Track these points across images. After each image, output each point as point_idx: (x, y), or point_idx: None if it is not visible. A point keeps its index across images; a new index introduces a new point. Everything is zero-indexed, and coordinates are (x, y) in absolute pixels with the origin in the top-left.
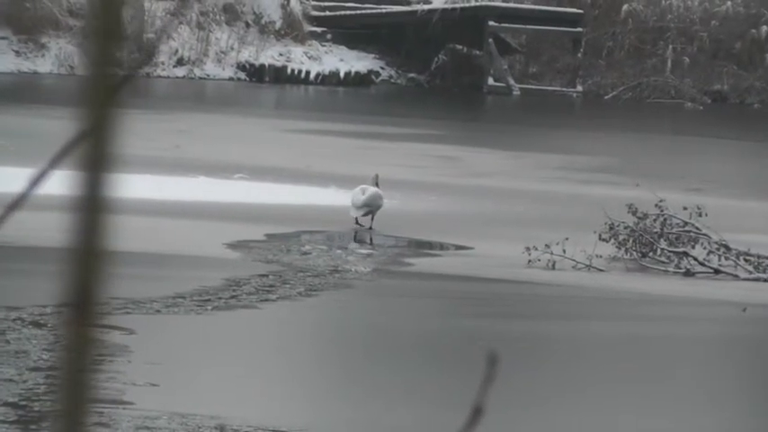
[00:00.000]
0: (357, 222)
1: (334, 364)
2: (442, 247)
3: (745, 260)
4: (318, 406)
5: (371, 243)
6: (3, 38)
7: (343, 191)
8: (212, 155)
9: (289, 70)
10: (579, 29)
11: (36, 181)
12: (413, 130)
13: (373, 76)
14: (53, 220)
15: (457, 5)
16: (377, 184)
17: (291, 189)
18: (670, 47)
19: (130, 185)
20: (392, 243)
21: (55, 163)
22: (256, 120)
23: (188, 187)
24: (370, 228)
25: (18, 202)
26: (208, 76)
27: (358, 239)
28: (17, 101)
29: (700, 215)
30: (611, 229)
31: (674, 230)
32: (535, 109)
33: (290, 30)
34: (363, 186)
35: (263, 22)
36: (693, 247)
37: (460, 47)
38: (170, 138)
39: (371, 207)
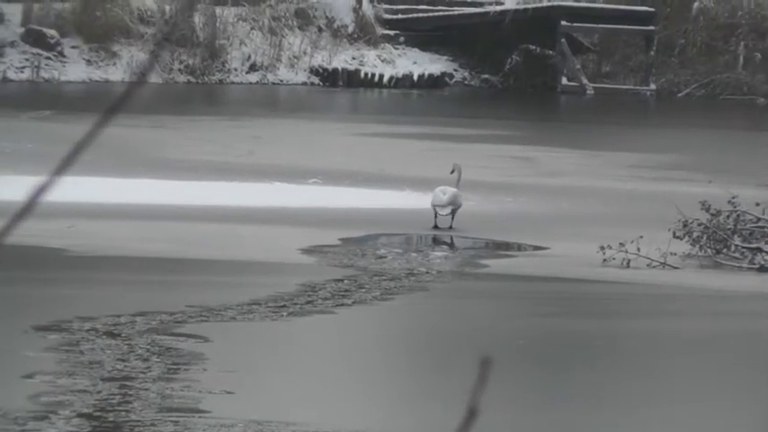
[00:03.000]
0: (436, 224)
1: (411, 369)
2: (518, 247)
3: None
4: (396, 411)
5: (447, 245)
6: (74, 47)
7: (417, 193)
8: (286, 160)
9: (362, 74)
10: (651, 27)
11: (42, 190)
12: (487, 131)
13: (447, 78)
14: (125, 230)
15: (529, 6)
16: (457, 172)
17: (366, 193)
18: (741, 43)
19: (205, 192)
20: (468, 244)
21: (60, 171)
22: (330, 124)
23: (262, 193)
24: (450, 227)
25: (25, 211)
26: (281, 81)
27: (433, 242)
28: (89, 110)
29: None
30: (684, 226)
31: (747, 227)
32: (609, 108)
33: (363, 33)
34: (443, 187)
35: (335, 26)
36: (767, 243)
37: (533, 47)
38: (244, 144)
39: (454, 206)
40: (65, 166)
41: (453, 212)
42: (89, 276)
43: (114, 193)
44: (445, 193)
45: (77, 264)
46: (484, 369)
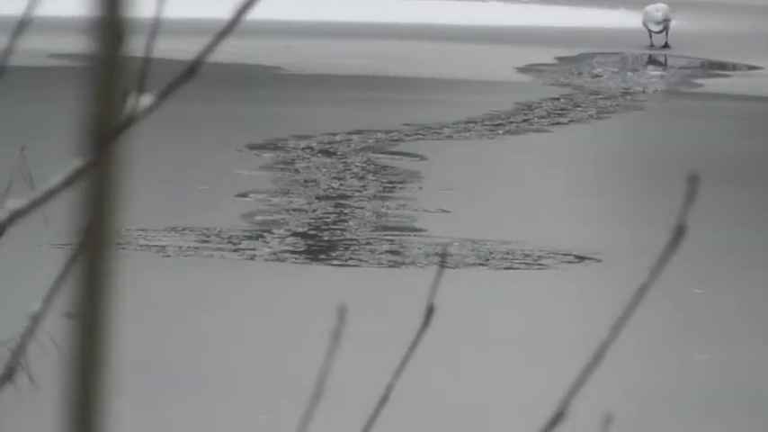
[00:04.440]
0: (652, 43)
1: (625, 188)
2: (733, 67)
3: None
4: (610, 229)
5: (662, 64)
6: None
7: (633, 12)
8: None
9: None
10: None
11: (246, 7)
12: None
13: None
14: (341, 47)
15: None
16: None
17: (581, 11)
18: None
19: (422, 10)
20: (683, 64)
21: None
22: None
23: (478, 11)
24: (665, 45)
25: (227, 30)
26: None
27: (649, 61)
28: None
29: None
30: None
31: None
32: None
33: None
34: (654, 5)
35: None
36: None
37: None
38: None
39: (667, 22)
40: None
41: (666, 29)
42: (304, 95)
43: (328, 12)
44: (658, 9)
45: (293, 82)
46: (692, 186)
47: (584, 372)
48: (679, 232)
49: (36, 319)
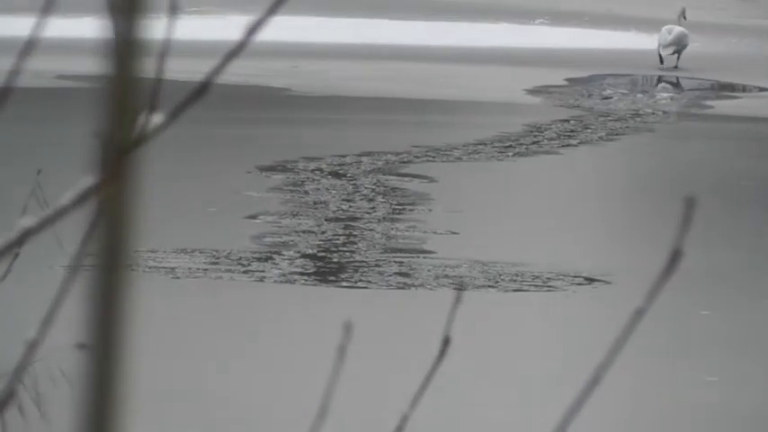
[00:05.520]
0: (661, 62)
1: (634, 209)
2: (743, 89)
3: None
4: (620, 251)
5: (673, 86)
6: None
7: (644, 34)
8: (513, 0)
9: None
10: None
11: (255, 28)
12: None
13: None
14: (349, 69)
15: None
16: (684, 17)
17: (592, 33)
18: None
19: (430, 32)
20: (694, 85)
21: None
22: None
23: (488, 33)
24: (676, 67)
25: (237, 51)
26: None
27: (660, 82)
28: None
29: None
30: None
31: None
32: None
33: None
34: (669, 26)
35: None
36: None
37: None
38: None
39: (678, 46)
40: (278, 4)
41: (679, 52)
42: (313, 116)
43: (340, 33)
44: (671, 32)
45: (302, 103)
46: (688, 209)
47: (581, 395)
48: (675, 256)
49: (33, 345)
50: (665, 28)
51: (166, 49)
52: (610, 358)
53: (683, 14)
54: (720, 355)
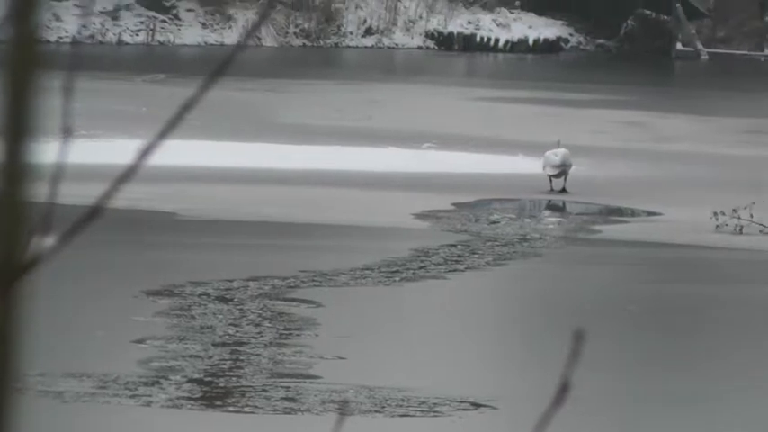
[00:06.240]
0: (552, 188)
1: (522, 335)
2: (631, 213)
3: None
4: (506, 376)
5: (560, 211)
6: (190, 10)
7: (531, 158)
8: (402, 124)
9: (478, 38)
10: None
11: (145, 153)
12: (601, 96)
13: (562, 43)
14: (236, 193)
15: None
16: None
17: (479, 158)
18: None
19: (318, 156)
20: (581, 210)
21: (164, 134)
22: (445, 89)
23: (376, 157)
24: (563, 189)
25: (127, 175)
26: (396, 45)
27: (546, 207)
28: (204, 73)
29: None
30: None
31: None
32: (723, 73)
33: None
34: (553, 150)
35: None
36: None
37: (649, 12)
38: (360, 108)
39: (565, 166)
40: (168, 129)
41: (565, 173)
42: (200, 240)
43: (227, 157)
44: (557, 154)
45: (188, 228)
46: (577, 342)
47: None
48: (563, 389)
49: None
50: (549, 152)
51: (59, 173)
52: None
53: (558, 144)
54: None
